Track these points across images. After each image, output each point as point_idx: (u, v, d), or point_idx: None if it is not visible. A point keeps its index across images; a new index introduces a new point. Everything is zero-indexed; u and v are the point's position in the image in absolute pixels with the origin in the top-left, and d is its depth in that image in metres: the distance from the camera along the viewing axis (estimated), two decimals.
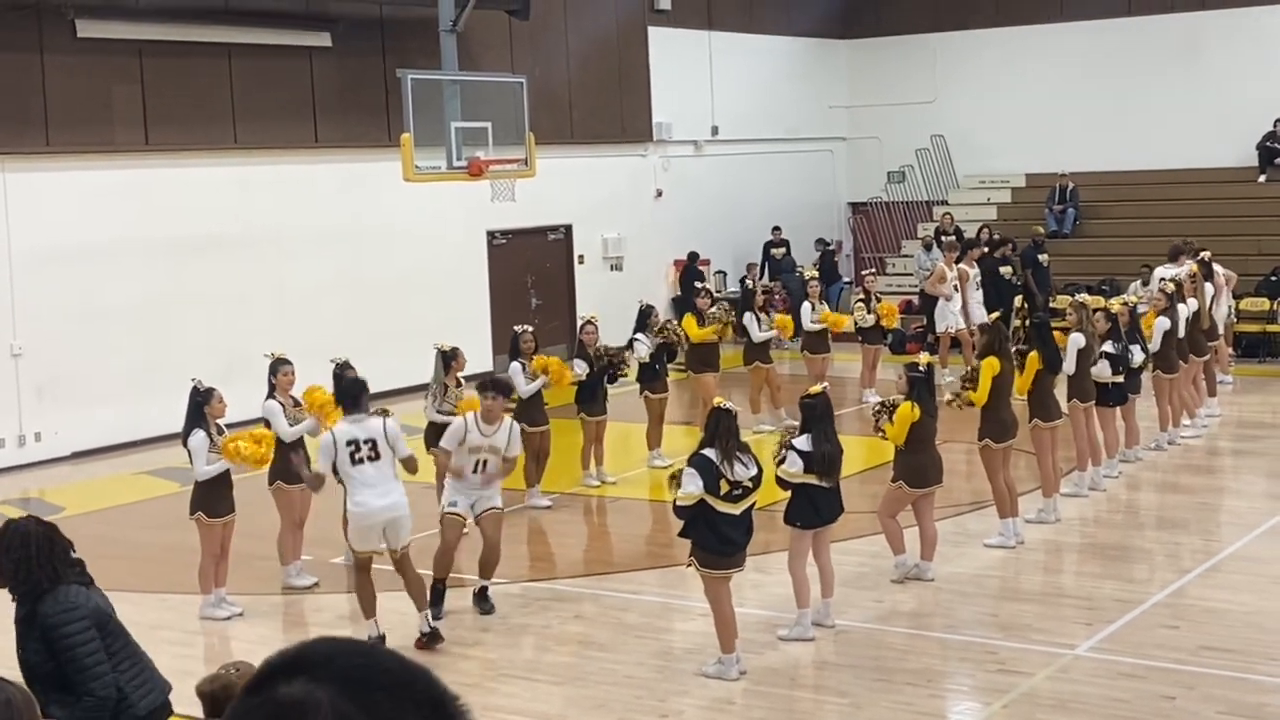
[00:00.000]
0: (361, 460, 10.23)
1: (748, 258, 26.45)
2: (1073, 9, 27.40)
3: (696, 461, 9.38)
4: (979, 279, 21.36)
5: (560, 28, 23.99)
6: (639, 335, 15.97)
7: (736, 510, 9.36)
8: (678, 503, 9.40)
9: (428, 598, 10.67)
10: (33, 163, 17.69)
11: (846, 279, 27.42)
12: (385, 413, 11.59)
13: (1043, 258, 23.32)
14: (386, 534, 10.44)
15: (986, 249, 22.74)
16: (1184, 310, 16.28)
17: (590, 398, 15.08)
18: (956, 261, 21.28)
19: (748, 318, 17.74)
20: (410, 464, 10.59)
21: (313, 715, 1.64)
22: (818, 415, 10.28)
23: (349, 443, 10.23)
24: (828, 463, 10.18)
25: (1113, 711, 8.88)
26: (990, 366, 12.34)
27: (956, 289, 20.84)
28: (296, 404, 12.04)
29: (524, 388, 14.24)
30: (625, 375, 15.33)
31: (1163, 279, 18.46)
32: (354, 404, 10.47)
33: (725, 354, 21.10)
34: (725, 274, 26.53)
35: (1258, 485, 15.08)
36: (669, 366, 16.45)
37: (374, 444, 10.26)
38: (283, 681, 1.67)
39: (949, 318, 20.70)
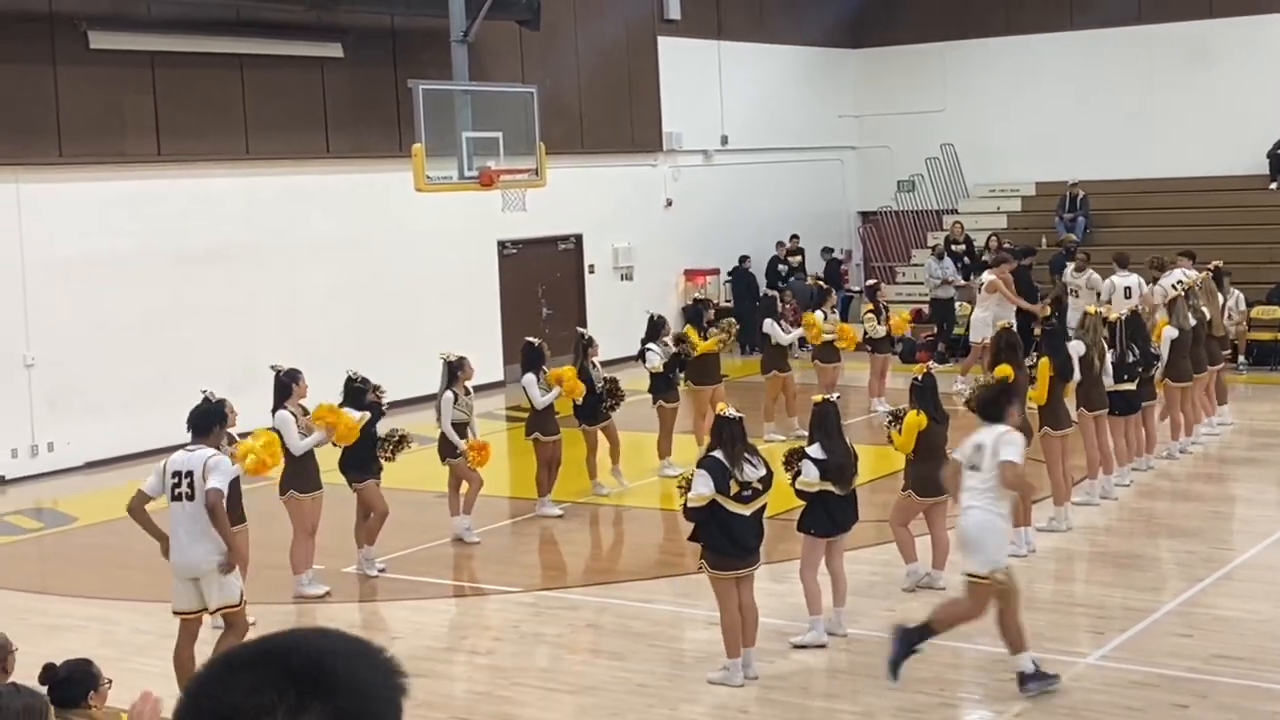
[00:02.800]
0: (179, 497, 9.24)
1: (758, 267, 26.48)
2: (1082, 18, 27.40)
3: (707, 463, 9.44)
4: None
5: (570, 38, 24.05)
6: (651, 345, 16.02)
7: (747, 511, 9.40)
8: (688, 504, 9.44)
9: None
10: (45, 174, 17.76)
11: (856, 288, 27.43)
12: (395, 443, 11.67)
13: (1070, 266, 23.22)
14: (200, 588, 9.36)
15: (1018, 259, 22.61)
16: (1194, 319, 16.24)
17: (592, 412, 15.12)
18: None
19: (768, 324, 17.82)
20: (210, 499, 9.11)
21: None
22: (820, 421, 10.31)
23: (174, 474, 9.27)
24: (842, 470, 10.20)
25: None
26: (1004, 374, 12.33)
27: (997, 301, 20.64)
28: (305, 413, 12.07)
29: (539, 399, 14.29)
30: (620, 405, 15.35)
31: (1127, 287, 18.49)
32: (197, 432, 9.51)
33: (736, 363, 21.15)
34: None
35: (1270, 494, 15.06)
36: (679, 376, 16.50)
37: (191, 479, 9.15)
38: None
39: (983, 328, 20.39)
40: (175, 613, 9.57)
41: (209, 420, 9.61)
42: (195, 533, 9.22)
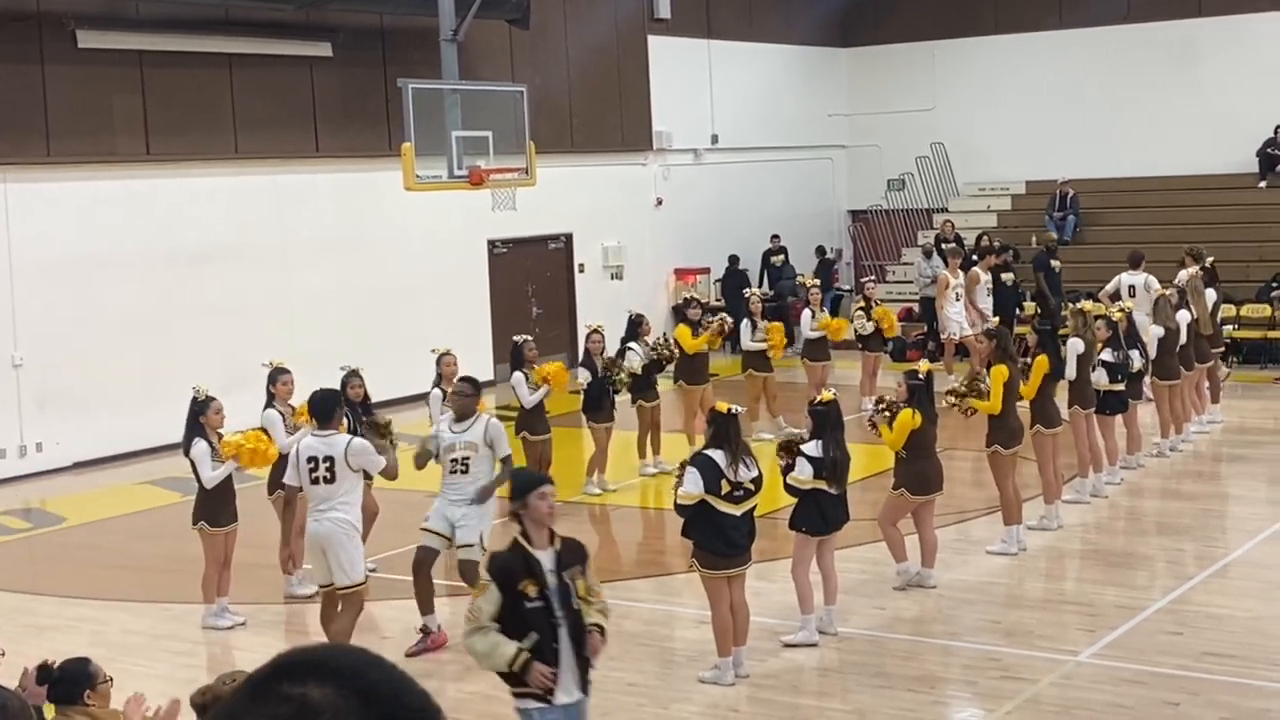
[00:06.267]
0: (318, 480, 9.79)
1: (747, 266, 26.46)
2: (1072, 16, 27.42)
3: (698, 461, 9.42)
4: (989, 285, 21.41)
5: (560, 37, 24.02)
6: (631, 345, 15.94)
7: (737, 511, 9.39)
8: (678, 501, 9.44)
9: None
10: (34, 173, 17.71)
11: (846, 287, 27.44)
12: (379, 427, 11.55)
13: (1055, 264, 23.30)
14: (329, 561, 9.86)
15: (995, 255, 22.69)
16: (1185, 317, 16.28)
17: (597, 406, 15.07)
18: (966, 267, 21.32)
19: (744, 325, 17.79)
20: (389, 472, 10.23)
21: None
22: (828, 422, 10.29)
23: (309, 459, 9.82)
24: (836, 469, 10.20)
25: (1116, 717, 8.87)
26: (1000, 374, 12.36)
27: (958, 296, 20.88)
28: (295, 411, 12.03)
29: (528, 398, 14.25)
30: (624, 386, 15.33)
31: (1131, 285, 18.52)
32: (323, 418, 10.00)
33: (722, 362, 21.16)
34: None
35: (1259, 491, 15.08)
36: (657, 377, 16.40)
37: (332, 463, 9.74)
38: (313, 684, 1.67)
39: (952, 325, 20.78)
40: (320, 586, 10.20)
41: (329, 406, 10.02)
42: (332, 505, 9.76)
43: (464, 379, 10.99)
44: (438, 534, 10.47)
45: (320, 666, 1.69)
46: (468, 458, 10.41)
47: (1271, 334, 22.26)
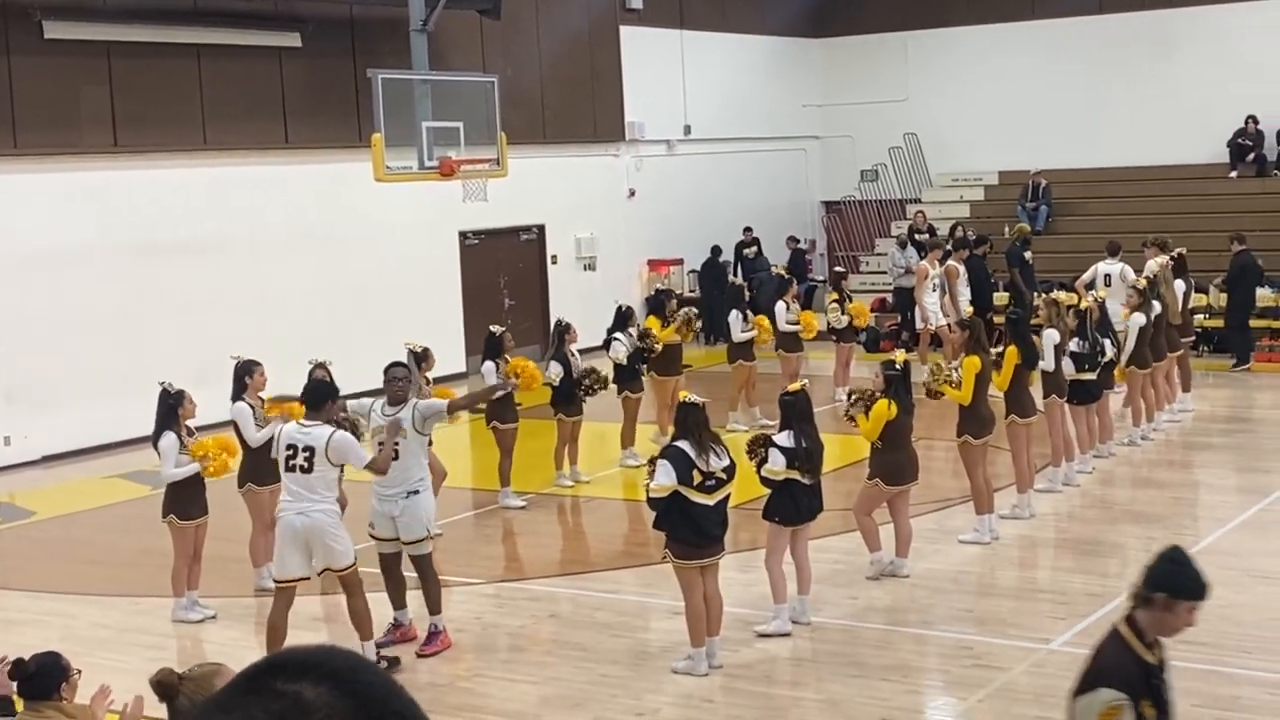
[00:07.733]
0: (294, 469, 9.61)
1: (729, 259, 26.41)
2: (1045, 7, 27.49)
3: (669, 453, 9.40)
4: (967, 276, 21.43)
5: (531, 27, 23.95)
6: (618, 335, 15.93)
7: (710, 501, 9.38)
8: (650, 494, 9.41)
9: (370, 629, 9.96)
10: (0, 165, 17.56)
11: (820, 278, 27.44)
12: (353, 425, 11.32)
13: (1027, 255, 23.34)
14: (314, 553, 9.74)
15: (970, 248, 22.72)
16: (1155, 307, 16.32)
17: (568, 400, 15.03)
18: (944, 260, 21.34)
19: (733, 316, 17.79)
20: (375, 465, 9.82)
21: None
22: (798, 412, 10.29)
23: (289, 446, 9.65)
24: (810, 458, 10.19)
25: None
26: (972, 364, 12.37)
27: (934, 288, 20.89)
28: (264, 404, 11.94)
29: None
30: (600, 391, 15.22)
31: (1108, 274, 18.57)
32: (311, 407, 9.88)
33: (695, 354, 21.12)
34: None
35: (1230, 480, 15.14)
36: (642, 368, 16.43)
37: (311, 454, 9.57)
38: (308, 683, 1.70)
39: (929, 315, 20.77)
40: (276, 581, 9.95)
41: (321, 396, 9.90)
42: (314, 497, 9.62)
43: (396, 364, 10.72)
44: (387, 539, 10.27)
45: (316, 666, 1.73)
46: (397, 443, 10.09)
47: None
